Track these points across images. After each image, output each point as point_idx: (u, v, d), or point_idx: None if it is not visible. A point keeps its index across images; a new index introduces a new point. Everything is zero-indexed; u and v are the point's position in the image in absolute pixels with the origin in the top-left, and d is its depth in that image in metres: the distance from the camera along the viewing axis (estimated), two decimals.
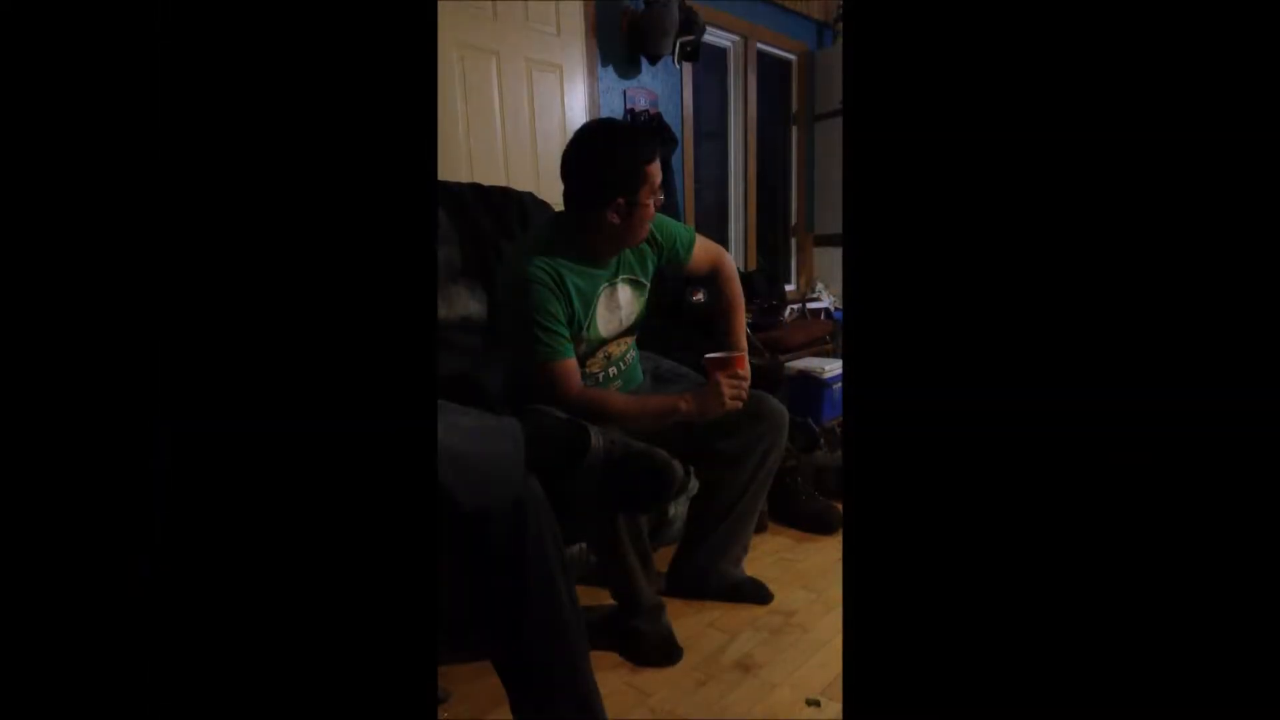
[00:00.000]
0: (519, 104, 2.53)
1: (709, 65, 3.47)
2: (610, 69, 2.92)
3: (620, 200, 1.31)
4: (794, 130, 3.98)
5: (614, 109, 2.93)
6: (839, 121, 3.83)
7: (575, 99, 2.76)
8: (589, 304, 1.40)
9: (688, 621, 1.53)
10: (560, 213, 1.44)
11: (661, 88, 3.12)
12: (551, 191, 1.70)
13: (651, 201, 1.34)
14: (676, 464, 1.20)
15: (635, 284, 1.48)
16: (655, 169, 1.32)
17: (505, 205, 1.84)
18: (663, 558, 1.70)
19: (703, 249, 1.57)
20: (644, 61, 3.02)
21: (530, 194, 1.97)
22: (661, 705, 1.28)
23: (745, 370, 1.40)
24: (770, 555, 1.83)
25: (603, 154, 1.32)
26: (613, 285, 1.44)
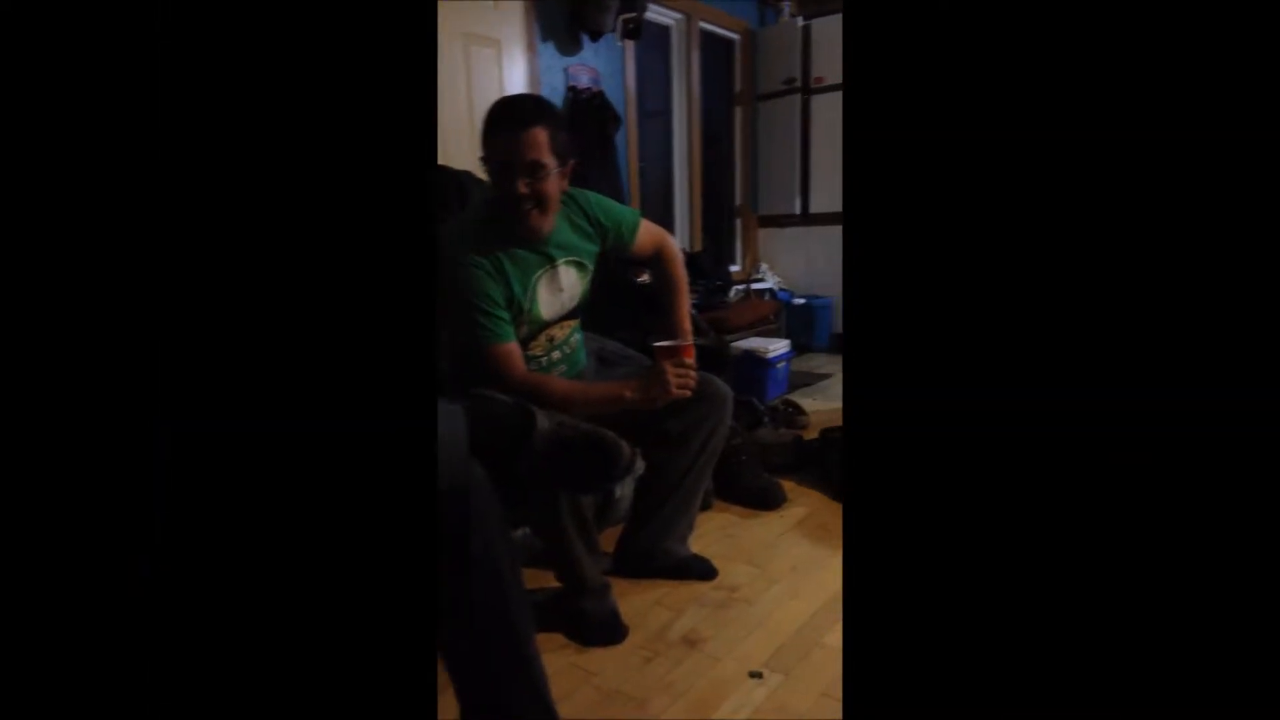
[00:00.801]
0: (455, 80, 2.47)
1: (651, 43, 3.44)
2: (551, 45, 2.87)
3: (500, 174, 1.28)
4: (737, 110, 3.99)
5: (555, 87, 2.88)
6: (784, 101, 3.85)
7: (514, 75, 2.70)
8: (528, 286, 1.38)
9: (634, 600, 1.53)
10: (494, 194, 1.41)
11: (604, 65, 3.08)
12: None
13: (528, 182, 1.28)
14: (623, 445, 1.19)
15: (578, 266, 1.47)
16: (525, 142, 1.26)
17: (443, 184, 1.80)
18: (610, 537, 1.70)
19: (647, 232, 1.56)
20: (585, 39, 2.98)
21: (469, 173, 1.93)
22: (607, 683, 1.29)
23: (692, 358, 1.41)
24: (716, 532, 1.85)
25: (484, 130, 1.30)
26: (554, 267, 1.42)
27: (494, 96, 2.63)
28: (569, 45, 2.94)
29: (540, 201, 1.31)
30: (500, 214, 1.34)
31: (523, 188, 1.28)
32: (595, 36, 2.97)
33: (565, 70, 2.92)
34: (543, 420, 1.13)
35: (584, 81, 2.97)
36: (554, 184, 1.32)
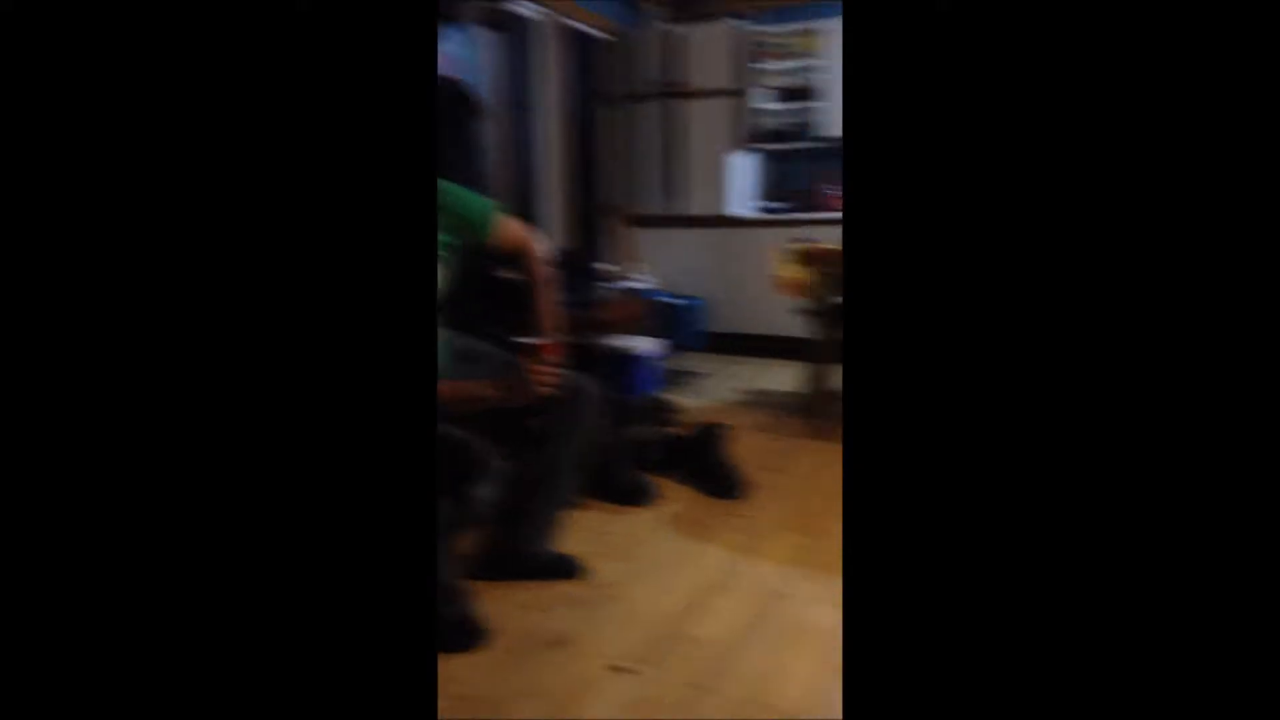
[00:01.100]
0: None
1: (519, 38, 3.38)
2: None
3: None
4: (607, 110, 4.00)
5: None
6: (655, 105, 3.89)
7: None
8: None
9: (501, 603, 1.48)
10: None
11: (465, 56, 3.00)
12: None
13: None
14: (483, 448, 1.15)
15: (442, 256, 1.40)
16: None
17: None
18: (471, 540, 1.64)
19: (506, 226, 1.51)
20: (445, 27, 2.88)
21: None
22: (463, 690, 1.23)
23: (556, 356, 1.37)
24: (585, 530, 1.82)
25: None
26: None
27: None
28: None
29: None
30: None
31: None
32: (455, 25, 2.88)
33: None
34: None
35: (440, 70, 2.88)
36: None
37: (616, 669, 1.28)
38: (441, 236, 1.41)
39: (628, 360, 2.88)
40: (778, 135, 3.84)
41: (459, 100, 2.77)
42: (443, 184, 1.42)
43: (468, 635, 1.36)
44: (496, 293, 2.05)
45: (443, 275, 1.43)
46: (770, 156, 4.03)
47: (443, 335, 1.50)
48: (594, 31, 3.81)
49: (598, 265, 3.78)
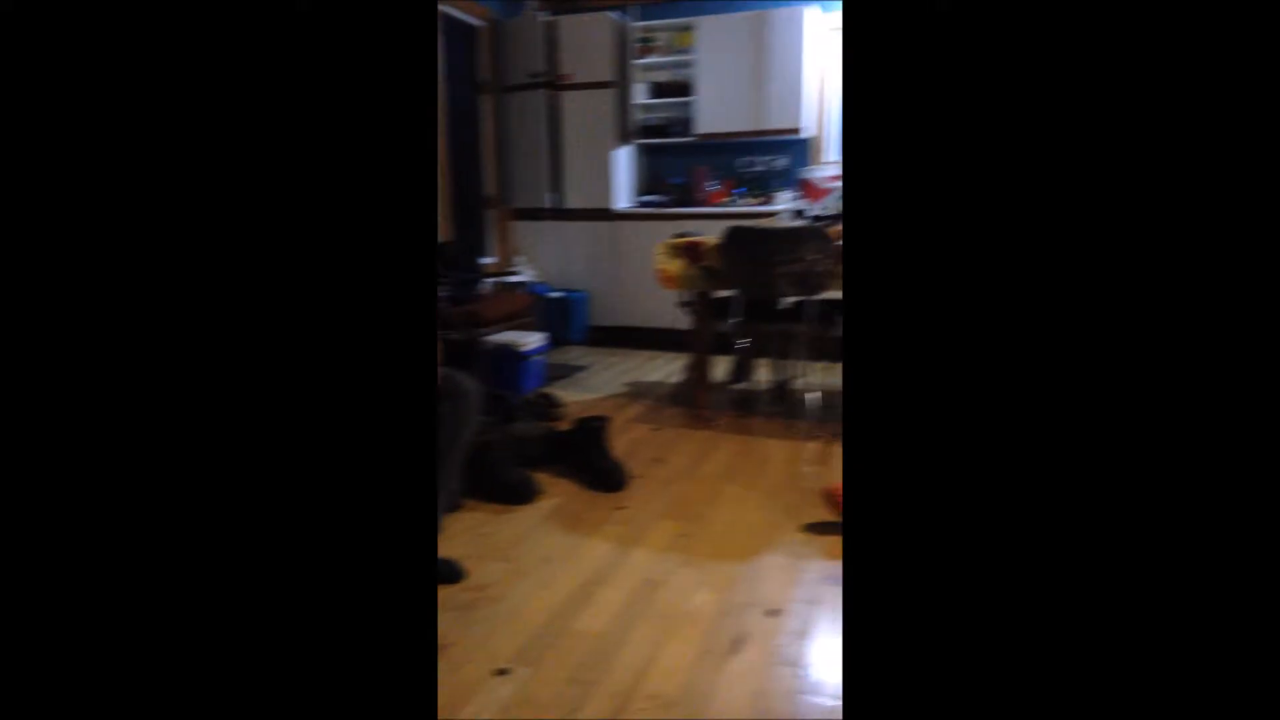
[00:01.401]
0: None
1: None
2: None
3: None
4: (484, 100, 3.91)
5: None
6: (532, 95, 3.84)
7: None
8: None
9: None
10: None
11: None
12: None
13: None
14: None
15: None
16: None
17: None
18: None
19: None
20: None
21: None
22: None
23: None
24: (467, 532, 1.79)
25: None
26: None
27: None
28: None
29: None
30: None
31: None
32: None
33: None
34: None
35: None
36: None
37: (497, 671, 1.27)
38: None
39: (510, 356, 2.85)
40: (656, 130, 3.90)
41: None
42: None
43: None
44: None
45: None
46: (649, 151, 4.08)
47: None
48: (473, 20, 3.71)
49: (479, 259, 3.70)
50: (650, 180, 4.12)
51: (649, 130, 3.91)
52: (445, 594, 1.52)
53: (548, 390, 2.86)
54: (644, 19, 3.85)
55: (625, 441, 2.33)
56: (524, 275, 3.80)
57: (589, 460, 2.16)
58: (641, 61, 3.83)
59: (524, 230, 4.06)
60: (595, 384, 3.17)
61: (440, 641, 1.36)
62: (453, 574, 1.57)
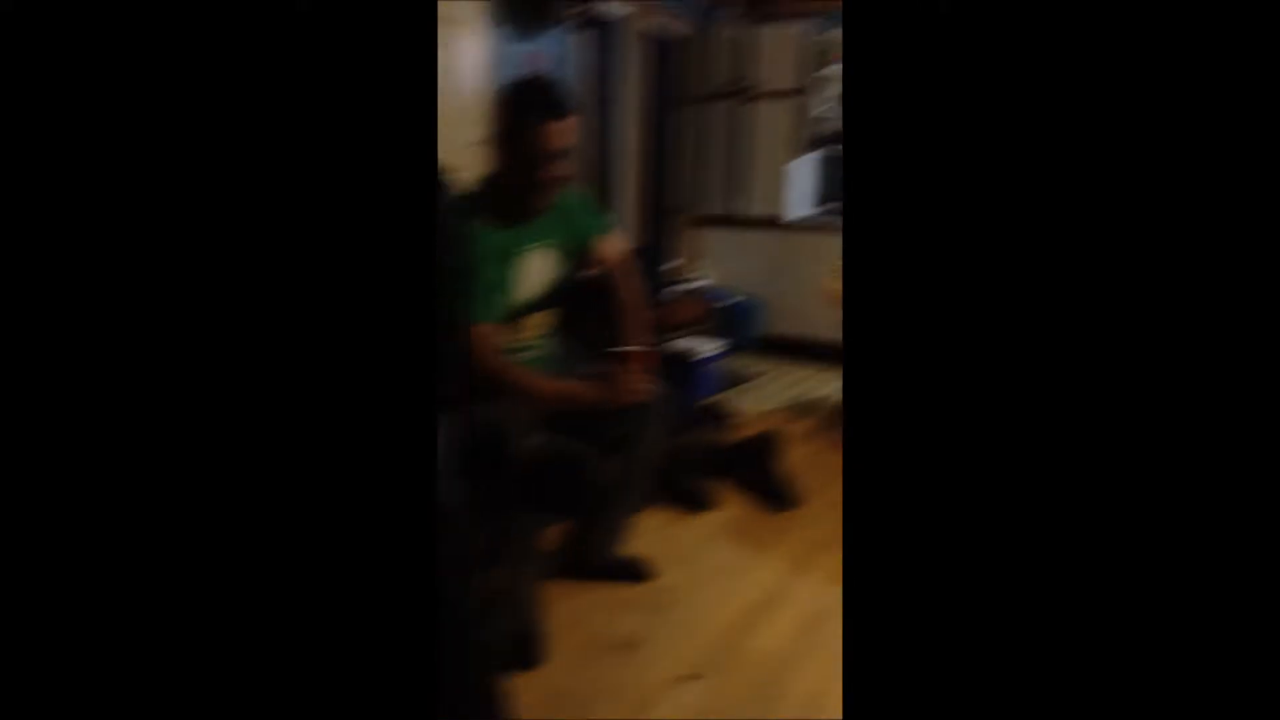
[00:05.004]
0: None
1: (605, 37, 3.43)
2: (502, 30, 2.83)
3: (526, 158, 1.33)
4: (677, 110, 4.03)
5: (505, 72, 2.86)
6: (722, 105, 3.92)
7: (467, 59, 2.67)
8: (512, 270, 1.41)
9: (572, 602, 1.59)
10: (490, 173, 1.45)
11: (553, 55, 3.07)
12: (448, 152, 1.66)
13: (556, 166, 1.36)
14: (600, 469, 1.23)
15: (554, 252, 1.51)
16: (558, 130, 1.34)
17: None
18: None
19: (615, 237, 1.62)
20: (535, 27, 2.95)
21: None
22: (548, 687, 1.34)
23: (649, 365, 1.46)
24: (651, 533, 1.92)
25: (508, 112, 1.34)
26: (534, 252, 1.46)
27: (456, 78, 2.58)
28: (520, 33, 2.91)
29: (556, 187, 1.38)
30: (503, 193, 1.38)
31: (553, 173, 1.34)
32: (545, 26, 2.95)
33: (515, 56, 2.90)
34: (516, 445, 1.16)
35: (533, 69, 2.96)
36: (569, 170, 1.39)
37: (682, 676, 1.38)
38: (563, 235, 1.52)
39: (689, 363, 2.96)
40: (839, 139, 3.86)
41: (567, 97, 2.84)
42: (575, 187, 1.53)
43: (526, 654, 1.38)
44: (588, 298, 2.14)
45: (558, 273, 1.54)
46: (832, 160, 4.04)
47: (541, 335, 1.60)
48: (673, 31, 3.84)
49: (664, 265, 3.84)
50: (832, 189, 4.08)
51: (832, 139, 3.89)
52: (633, 593, 1.66)
53: (721, 399, 2.94)
54: (831, 28, 3.81)
55: (795, 458, 2.36)
56: (703, 281, 3.90)
57: (760, 477, 2.22)
58: (827, 71, 3.81)
59: (705, 237, 4.16)
60: (766, 395, 3.22)
61: (629, 640, 1.49)
62: (640, 573, 1.70)
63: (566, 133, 1.35)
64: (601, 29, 3.40)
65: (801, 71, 3.76)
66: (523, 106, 1.34)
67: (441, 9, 2.50)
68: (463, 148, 2.69)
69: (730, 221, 4.05)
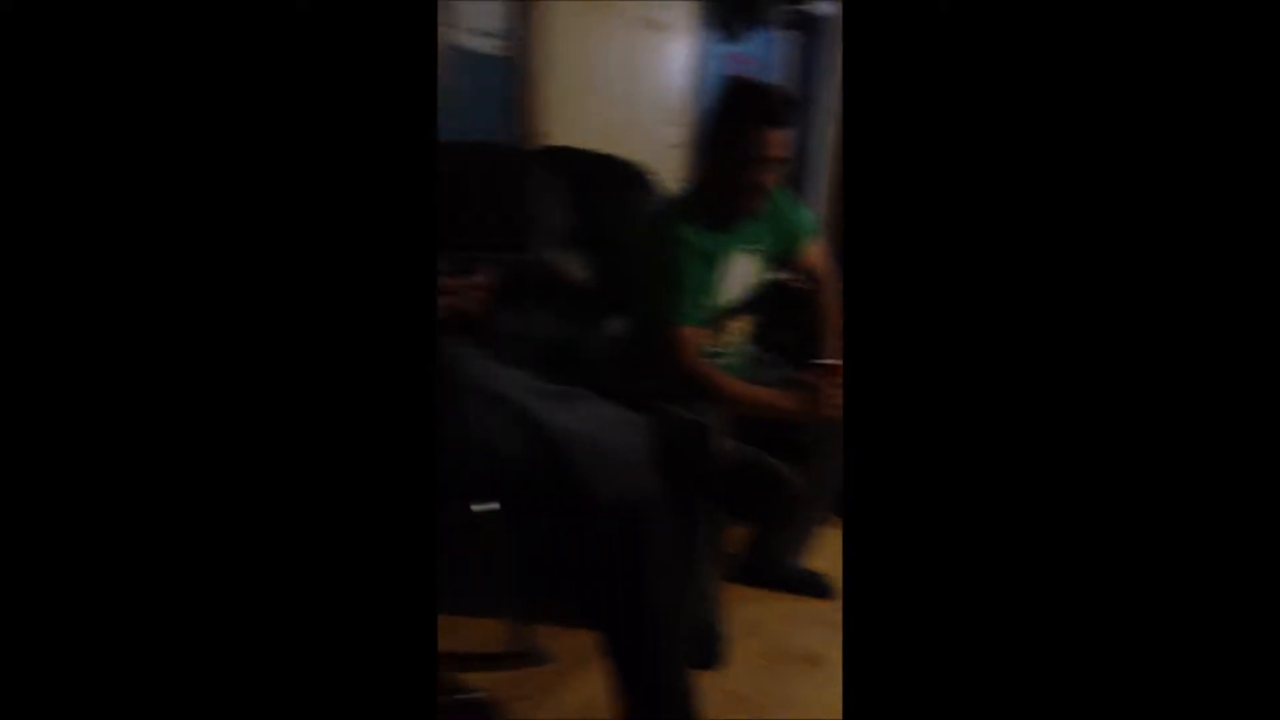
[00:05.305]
0: (632, 60, 2.49)
1: (813, 37, 3.37)
2: (711, 32, 2.85)
3: (742, 163, 1.31)
4: None
5: (714, 73, 2.87)
6: None
7: (677, 60, 2.71)
8: (717, 273, 1.41)
9: (753, 609, 1.56)
10: (698, 176, 1.46)
11: (758, 57, 3.05)
12: (651, 153, 1.69)
13: (769, 170, 1.33)
14: (791, 476, 1.21)
15: (759, 258, 1.50)
16: (775, 138, 1.31)
17: (615, 171, 1.84)
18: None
19: (814, 248, 1.57)
20: (744, 27, 2.95)
21: (636, 162, 1.96)
22: (733, 689, 1.32)
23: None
24: (830, 546, 1.85)
25: (727, 115, 1.33)
26: (739, 256, 1.45)
27: (660, 80, 2.64)
28: (729, 33, 2.91)
29: (765, 193, 1.37)
30: (711, 195, 1.38)
31: (765, 179, 1.33)
32: (755, 26, 2.93)
33: (723, 58, 2.91)
34: (716, 443, 1.15)
35: (742, 70, 2.95)
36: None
37: None
38: (768, 240, 1.50)
39: None
40: None
41: (788, 101, 2.84)
42: (782, 190, 1.50)
43: (706, 654, 1.37)
44: (789, 305, 2.11)
45: (761, 278, 1.52)
46: None
47: (741, 339, 1.59)
48: None
49: None
50: None
51: None
52: (815, 608, 1.60)
53: None
54: None
55: None
56: None
57: None
58: None
59: None
60: None
61: (810, 654, 1.44)
62: (824, 589, 1.64)
63: (783, 142, 1.31)
64: (807, 29, 3.33)
65: None
66: (741, 110, 1.32)
67: (647, 12, 2.57)
68: (665, 149, 2.75)
69: None
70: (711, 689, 1.31)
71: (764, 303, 1.65)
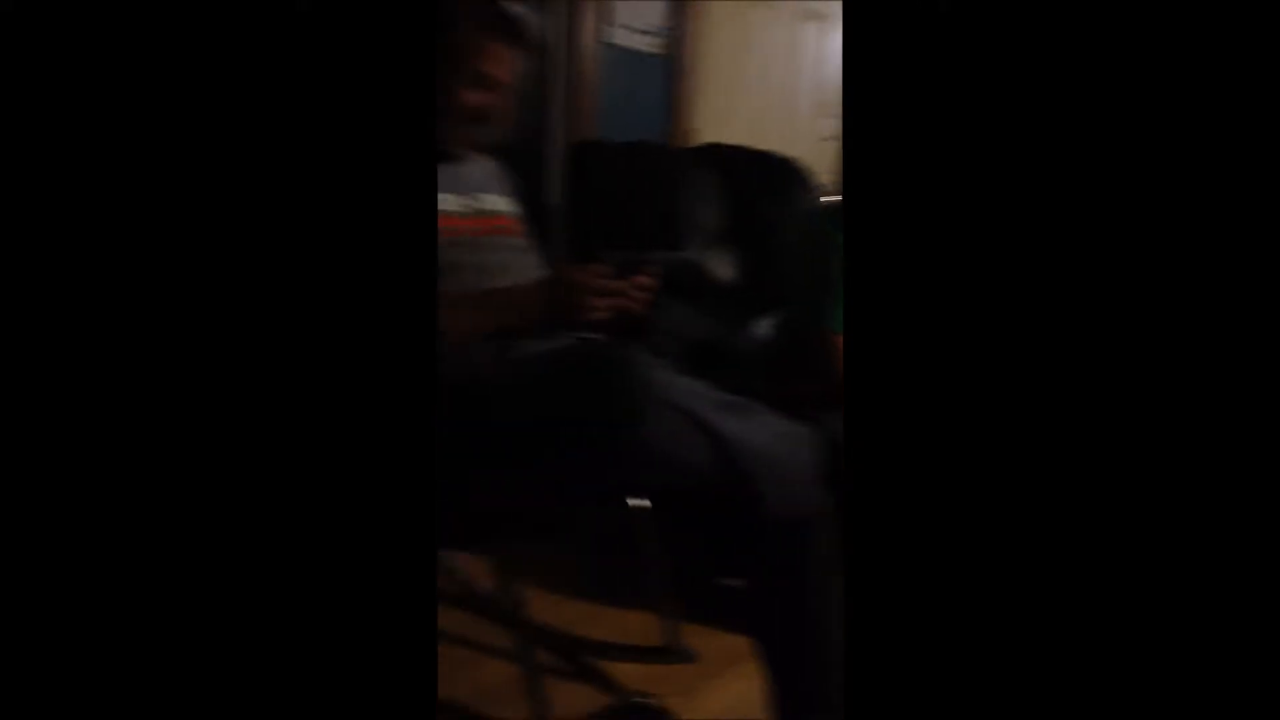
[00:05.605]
0: (775, 56, 2.46)
1: None
2: None
3: None
4: None
5: None
6: None
7: (828, 54, 2.64)
8: None
9: None
10: None
11: None
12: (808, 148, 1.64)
13: None
14: None
15: None
16: None
17: (768, 168, 1.82)
18: None
19: None
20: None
21: (794, 159, 1.93)
22: None
23: None
24: None
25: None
26: None
27: (819, 73, 2.59)
28: None
29: None
30: None
31: None
32: None
33: None
34: None
35: None
36: None
37: None
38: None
39: None
40: None
41: None
42: None
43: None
44: None
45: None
46: None
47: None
48: None
49: None
50: None
51: None
52: None
53: None
54: None
55: None
56: None
57: None
58: None
59: None
60: None
61: None
62: None
63: None
64: None
65: None
66: None
67: (804, 5, 2.51)
68: (817, 143, 2.69)
69: None
70: None
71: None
